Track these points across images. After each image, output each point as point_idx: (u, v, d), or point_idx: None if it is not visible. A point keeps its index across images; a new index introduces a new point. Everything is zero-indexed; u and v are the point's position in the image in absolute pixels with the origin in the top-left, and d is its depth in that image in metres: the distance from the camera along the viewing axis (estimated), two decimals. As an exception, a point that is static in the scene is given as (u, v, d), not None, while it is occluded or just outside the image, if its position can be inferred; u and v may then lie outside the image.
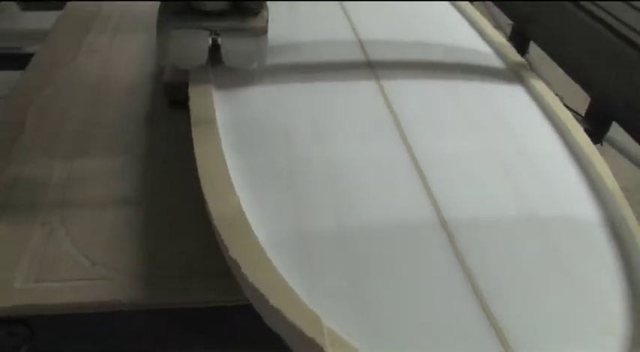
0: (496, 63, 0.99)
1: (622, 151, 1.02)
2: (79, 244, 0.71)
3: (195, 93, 0.82)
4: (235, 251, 0.56)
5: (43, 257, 0.70)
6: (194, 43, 0.84)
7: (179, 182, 0.81)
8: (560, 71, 1.11)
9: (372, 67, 0.92)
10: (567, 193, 0.70)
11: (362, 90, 0.86)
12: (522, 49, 1.22)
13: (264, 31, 0.85)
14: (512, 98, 0.89)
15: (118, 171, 0.84)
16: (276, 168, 0.70)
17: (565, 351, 0.51)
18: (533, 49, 1.22)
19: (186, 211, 0.77)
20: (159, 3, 0.84)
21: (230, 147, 0.72)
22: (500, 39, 1.05)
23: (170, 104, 0.98)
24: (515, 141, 0.78)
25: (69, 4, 1.34)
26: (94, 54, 1.14)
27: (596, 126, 1.01)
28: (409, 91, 0.86)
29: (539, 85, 0.90)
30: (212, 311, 0.68)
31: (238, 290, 0.66)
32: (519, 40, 1.24)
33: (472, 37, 1.09)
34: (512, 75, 0.95)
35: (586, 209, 0.68)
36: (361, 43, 0.99)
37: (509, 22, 1.31)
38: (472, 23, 1.13)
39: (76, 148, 0.88)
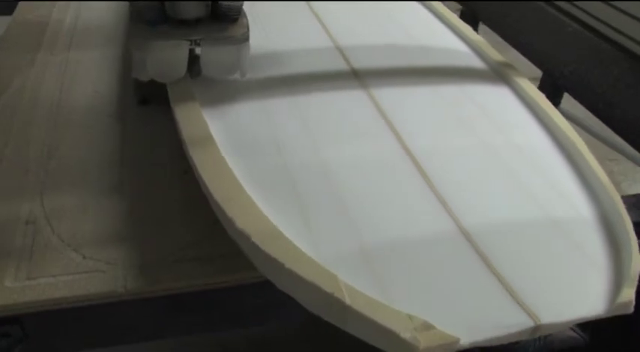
0: (476, 61, 1.00)
1: (573, 119, 1.09)
2: (66, 240, 0.72)
3: (181, 112, 0.77)
4: (242, 222, 0.58)
5: (31, 256, 0.70)
6: (174, 55, 0.80)
7: (159, 172, 0.83)
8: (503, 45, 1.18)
9: (357, 75, 0.90)
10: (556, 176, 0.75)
11: (352, 100, 0.84)
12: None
13: (245, 39, 0.82)
14: (497, 96, 0.91)
15: (95, 164, 0.84)
16: (275, 164, 0.71)
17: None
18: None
19: (170, 201, 0.78)
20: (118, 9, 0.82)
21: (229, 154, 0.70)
22: (476, 36, 1.07)
23: (139, 102, 0.98)
24: (504, 135, 0.81)
25: (20, 6, 1.32)
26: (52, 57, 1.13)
27: (549, 98, 1.08)
28: (398, 97, 0.85)
29: (522, 82, 0.92)
30: (205, 294, 0.69)
31: (230, 273, 0.68)
32: (469, 22, 1.30)
33: (445, 33, 1.09)
34: (494, 73, 0.97)
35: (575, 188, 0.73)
36: (340, 50, 0.97)
37: (459, 7, 1.38)
38: (443, 20, 1.14)
39: (49, 147, 0.87)
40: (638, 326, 0.92)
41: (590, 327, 1.04)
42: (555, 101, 1.10)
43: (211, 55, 0.81)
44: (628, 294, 0.54)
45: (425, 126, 0.80)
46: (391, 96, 0.85)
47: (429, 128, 0.80)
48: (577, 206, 0.69)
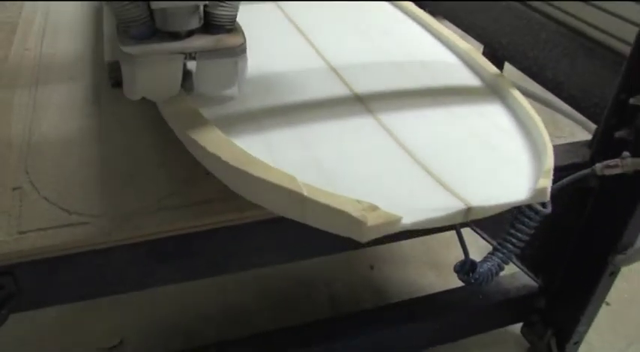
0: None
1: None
2: (52, 200, 0.78)
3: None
4: (213, 147, 0.66)
5: (20, 214, 0.75)
6: (167, 70, 0.73)
7: (135, 138, 0.89)
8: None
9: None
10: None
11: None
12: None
13: (243, 50, 0.75)
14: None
15: (74, 137, 0.90)
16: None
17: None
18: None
19: (143, 157, 0.85)
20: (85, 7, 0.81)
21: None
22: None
23: (114, 85, 1.05)
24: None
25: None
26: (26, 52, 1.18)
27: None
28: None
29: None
30: (183, 238, 0.76)
31: (207, 216, 0.75)
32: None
33: (435, 45, 1.09)
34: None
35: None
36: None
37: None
38: (433, 32, 1.13)
39: (30, 125, 0.93)
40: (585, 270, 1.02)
41: (542, 273, 1.13)
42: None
43: (208, 68, 0.74)
44: (543, 183, 0.64)
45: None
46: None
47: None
48: (501, 123, 0.83)
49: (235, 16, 0.77)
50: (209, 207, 0.77)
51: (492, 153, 0.73)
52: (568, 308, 1.07)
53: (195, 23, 0.74)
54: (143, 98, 0.92)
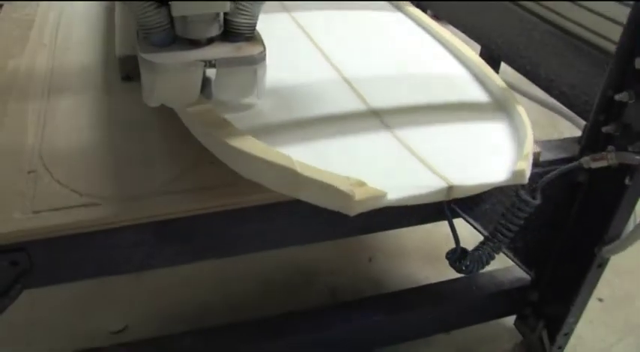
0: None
1: (511, 86, 1.24)
2: (65, 183, 0.82)
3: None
4: (221, 136, 0.71)
5: (34, 195, 0.80)
6: (187, 78, 0.74)
7: (144, 127, 0.94)
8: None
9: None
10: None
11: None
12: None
13: (263, 58, 0.76)
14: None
15: (85, 125, 0.95)
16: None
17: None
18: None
19: (152, 145, 0.90)
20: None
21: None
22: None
23: (124, 78, 1.10)
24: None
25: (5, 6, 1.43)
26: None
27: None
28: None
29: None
30: (187, 221, 0.80)
31: (207, 201, 0.80)
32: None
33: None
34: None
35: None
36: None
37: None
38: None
39: (45, 114, 0.98)
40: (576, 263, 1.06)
41: (534, 267, 1.17)
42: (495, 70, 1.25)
43: (227, 76, 0.75)
44: (521, 165, 0.69)
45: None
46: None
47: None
48: (487, 113, 0.89)
49: (255, 24, 0.78)
50: (212, 191, 0.81)
51: (477, 139, 0.78)
52: (558, 300, 1.11)
53: (215, 31, 0.75)
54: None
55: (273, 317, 1.07)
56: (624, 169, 0.88)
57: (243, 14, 0.76)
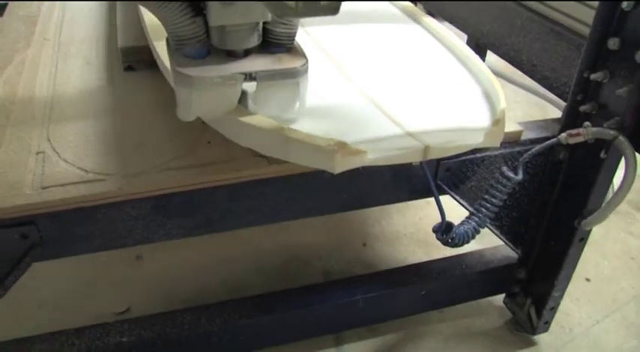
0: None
1: (496, 73, 1.29)
2: (71, 162, 0.88)
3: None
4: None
5: (43, 172, 0.85)
6: (226, 92, 0.70)
7: (145, 112, 0.99)
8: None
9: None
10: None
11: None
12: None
13: (305, 70, 0.72)
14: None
15: (90, 111, 1.00)
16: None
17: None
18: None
19: (153, 128, 0.95)
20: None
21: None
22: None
23: (126, 69, 1.15)
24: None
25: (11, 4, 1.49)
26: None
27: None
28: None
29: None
30: (186, 195, 0.85)
31: (204, 176, 0.85)
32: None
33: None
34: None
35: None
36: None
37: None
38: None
39: (51, 102, 1.03)
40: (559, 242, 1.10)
41: (521, 245, 1.21)
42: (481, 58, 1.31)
43: (268, 90, 0.71)
44: (494, 130, 0.75)
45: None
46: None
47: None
48: (466, 86, 0.95)
49: (295, 33, 0.74)
50: (209, 167, 0.86)
51: (454, 108, 0.84)
52: (544, 276, 1.15)
53: (254, 41, 0.70)
54: (152, 77, 1.02)
55: (270, 293, 1.12)
56: (600, 145, 0.93)
57: (283, 23, 0.72)
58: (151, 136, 0.94)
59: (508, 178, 0.94)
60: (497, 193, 0.96)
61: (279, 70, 0.70)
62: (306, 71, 0.72)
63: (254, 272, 1.38)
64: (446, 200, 0.99)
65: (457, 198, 1.02)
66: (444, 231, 0.97)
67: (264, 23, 0.72)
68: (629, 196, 1.66)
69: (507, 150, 0.99)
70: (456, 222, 0.98)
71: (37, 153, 0.90)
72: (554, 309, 1.19)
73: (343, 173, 0.72)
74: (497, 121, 0.79)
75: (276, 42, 0.73)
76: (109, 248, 0.89)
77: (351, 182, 0.89)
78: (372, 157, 0.66)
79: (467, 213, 0.99)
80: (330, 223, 1.51)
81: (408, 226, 1.53)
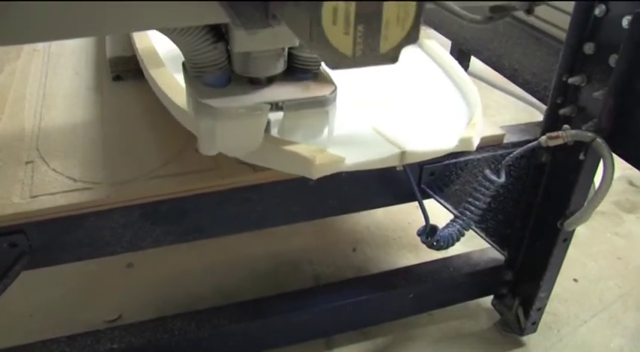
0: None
1: (482, 78, 1.31)
2: (60, 171, 0.89)
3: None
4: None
5: (32, 183, 0.87)
6: (252, 123, 0.65)
7: (133, 121, 1.01)
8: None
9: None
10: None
11: None
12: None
13: (334, 98, 0.68)
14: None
15: (79, 120, 1.02)
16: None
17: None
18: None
19: (140, 137, 0.96)
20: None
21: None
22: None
23: (114, 78, 1.17)
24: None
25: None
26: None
27: (459, 60, 1.31)
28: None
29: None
30: (173, 202, 0.87)
31: (190, 184, 0.86)
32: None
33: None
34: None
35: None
36: None
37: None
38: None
39: (40, 111, 1.05)
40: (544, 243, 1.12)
41: (507, 247, 1.23)
42: (465, 65, 1.33)
43: (296, 119, 0.66)
44: (469, 133, 0.77)
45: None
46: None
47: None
48: (444, 91, 0.97)
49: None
50: (196, 175, 0.88)
51: (431, 114, 0.85)
52: (530, 277, 1.17)
53: (280, 67, 0.65)
54: (140, 87, 1.03)
55: (260, 298, 1.13)
56: (580, 147, 0.95)
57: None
58: (139, 144, 0.95)
59: (491, 181, 0.96)
60: (481, 196, 0.98)
61: (308, 99, 0.65)
62: (334, 99, 0.67)
63: (245, 277, 1.39)
64: (434, 204, 1.01)
65: (442, 201, 1.04)
66: (429, 234, 0.98)
67: (290, 48, 0.67)
68: (615, 197, 1.70)
69: (490, 154, 1.01)
70: (443, 224, 1.00)
71: (27, 162, 0.91)
72: (541, 310, 1.21)
73: (329, 178, 0.73)
74: (472, 125, 0.81)
75: (302, 68, 0.67)
76: (98, 256, 0.90)
77: (336, 187, 0.91)
78: (350, 163, 0.68)
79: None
80: (319, 228, 1.53)
81: (397, 230, 1.55)
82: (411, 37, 0.44)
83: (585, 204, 1.00)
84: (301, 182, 0.81)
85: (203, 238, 0.93)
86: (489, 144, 0.99)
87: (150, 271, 1.39)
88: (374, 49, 0.43)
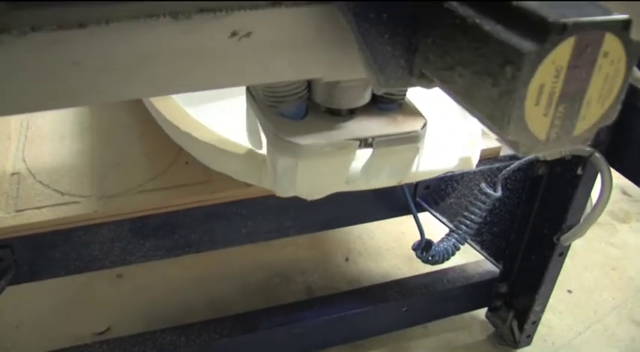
0: None
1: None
2: (47, 183, 0.86)
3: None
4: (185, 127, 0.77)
5: (17, 196, 0.84)
6: (338, 161, 0.57)
7: (121, 132, 0.99)
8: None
9: None
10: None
11: None
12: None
13: (425, 133, 0.60)
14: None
15: (66, 130, 0.99)
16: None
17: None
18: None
19: (129, 148, 0.94)
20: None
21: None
22: None
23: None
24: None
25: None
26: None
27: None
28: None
29: None
30: (162, 217, 0.85)
31: (179, 198, 0.84)
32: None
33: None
34: None
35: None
36: None
37: None
38: None
39: (27, 121, 1.02)
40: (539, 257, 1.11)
41: (502, 260, 1.22)
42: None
43: (383, 157, 0.58)
44: (468, 153, 0.75)
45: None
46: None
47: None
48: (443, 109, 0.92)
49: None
50: (186, 189, 0.85)
51: (431, 131, 0.83)
52: (525, 290, 1.16)
53: (367, 98, 0.57)
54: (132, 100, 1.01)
55: (252, 312, 1.11)
56: (577, 161, 0.94)
57: None
58: (128, 157, 0.93)
59: (487, 195, 0.95)
60: (477, 210, 0.96)
61: (400, 135, 0.57)
62: (425, 134, 0.60)
63: (236, 289, 1.37)
64: (428, 216, 0.99)
65: (437, 215, 1.03)
66: (424, 249, 0.97)
67: None
68: (610, 207, 1.70)
69: (486, 167, 0.99)
70: (438, 237, 0.98)
71: (12, 174, 0.89)
72: (535, 323, 1.20)
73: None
74: (472, 143, 0.79)
75: (387, 98, 0.59)
76: (86, 270, 0.88)
77: (329, 201, 0.89)
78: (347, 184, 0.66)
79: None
80: (312, 239, 1.51)
81: (390, 241, 1.54)
82: (609, 116, 0.37)
83: (582, 219, 0.99)
84: (294, 196, 0.80)
85: (193, 252, 0.91)
86: (486, 158, 0.98)
87: (140, 282, 1.37)
88: (568, 132, 0.36)
